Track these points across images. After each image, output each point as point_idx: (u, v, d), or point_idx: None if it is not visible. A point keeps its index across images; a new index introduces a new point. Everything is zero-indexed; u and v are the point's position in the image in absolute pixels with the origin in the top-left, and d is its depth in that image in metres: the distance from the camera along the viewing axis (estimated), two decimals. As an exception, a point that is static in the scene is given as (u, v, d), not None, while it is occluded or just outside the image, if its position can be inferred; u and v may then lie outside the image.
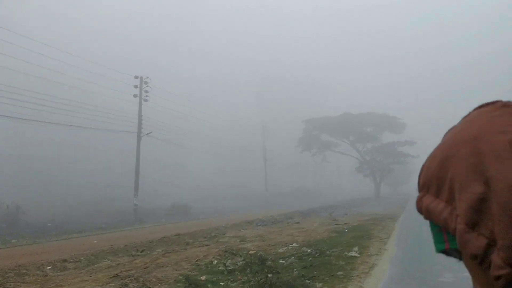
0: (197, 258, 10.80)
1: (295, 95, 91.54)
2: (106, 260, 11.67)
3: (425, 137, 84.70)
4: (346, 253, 10.69)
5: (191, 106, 56.76)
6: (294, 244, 12.99)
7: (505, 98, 0.68)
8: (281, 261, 10.37)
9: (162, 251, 13.15)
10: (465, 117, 0.69)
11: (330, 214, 29.33)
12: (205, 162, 77.26)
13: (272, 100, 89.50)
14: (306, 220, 24.91)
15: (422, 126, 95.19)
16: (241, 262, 9.63)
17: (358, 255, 10.44)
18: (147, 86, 32.14)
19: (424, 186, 0.70)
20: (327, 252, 10.86)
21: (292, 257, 10.65)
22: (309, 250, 11.40)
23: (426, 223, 0.71)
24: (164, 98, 42.69)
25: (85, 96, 36.00)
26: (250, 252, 11.83)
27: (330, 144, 60.11)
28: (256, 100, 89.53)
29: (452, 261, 0.72)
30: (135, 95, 31.66)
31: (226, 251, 11.48)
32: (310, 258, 10.26)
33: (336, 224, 20.06)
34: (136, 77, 31.78)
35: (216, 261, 10.30)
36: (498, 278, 0.55)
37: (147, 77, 31.98)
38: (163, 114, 43.85)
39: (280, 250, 12.00)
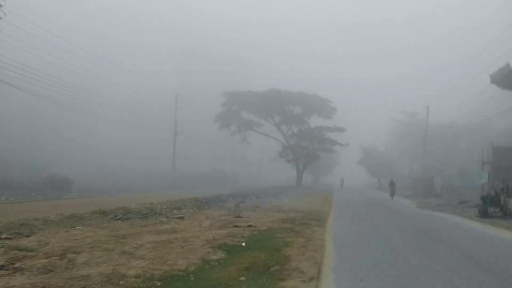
0: None
1: (220, 69, 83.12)
2: None
3: (354, 125, 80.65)
4: None
5: (89, 61, 46.90)
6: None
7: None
8: None
9: None
10: None
11: (236, 205, 22.05)
12: (109, 131, 67.11)
13: (194, 70, 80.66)
14: (198, 214, 17.36)
15: (352, 114, 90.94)
16: None
17: None
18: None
19: None
20: None
21: None
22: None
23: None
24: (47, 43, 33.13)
25: None
26: None
27: (253, 123, 52.88)
28: (175, 68, 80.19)
29: None
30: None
31: None
32: None
33: (234, 227, 12.77)
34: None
35: None
36: None
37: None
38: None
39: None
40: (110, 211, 15.05)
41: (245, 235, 11.06)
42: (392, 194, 35.39)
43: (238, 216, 16.17)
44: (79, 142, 59.23)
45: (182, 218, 15.21)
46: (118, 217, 14.30)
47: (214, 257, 8.04)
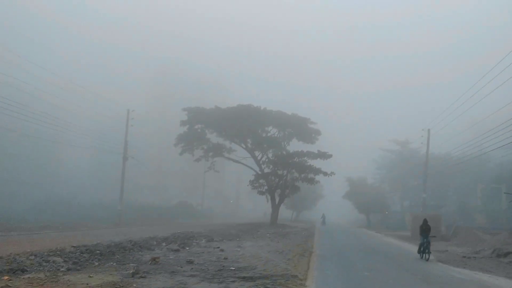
0: None
1: (191, 83, 75.02)
2: None
3: (340, 154, 72.53)
4: None
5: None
6: None
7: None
8: None
9: None
10: None
11: (154, 259, 13.22)
12: (74, 159, 56.96)
13: (164, 90, 72.30)
14: (50, 283, 8.59)
15: (338, 143, 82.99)
16: None
17: None
18: None
19: None
20: None
21: None
22: None
23: None
24: None
25: None
26: None
27: (222, 147, 44.11)
28: (142, 87, 71.89)
29: None
30: None
31: None
32: None
33: None
34: None
35: None
36: None
37: None
38: None
39: None
40: None
41: None
42: (426, 248, 18.26)
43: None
44: (34, 171, 49.03)
45: None
46: None
47: None
